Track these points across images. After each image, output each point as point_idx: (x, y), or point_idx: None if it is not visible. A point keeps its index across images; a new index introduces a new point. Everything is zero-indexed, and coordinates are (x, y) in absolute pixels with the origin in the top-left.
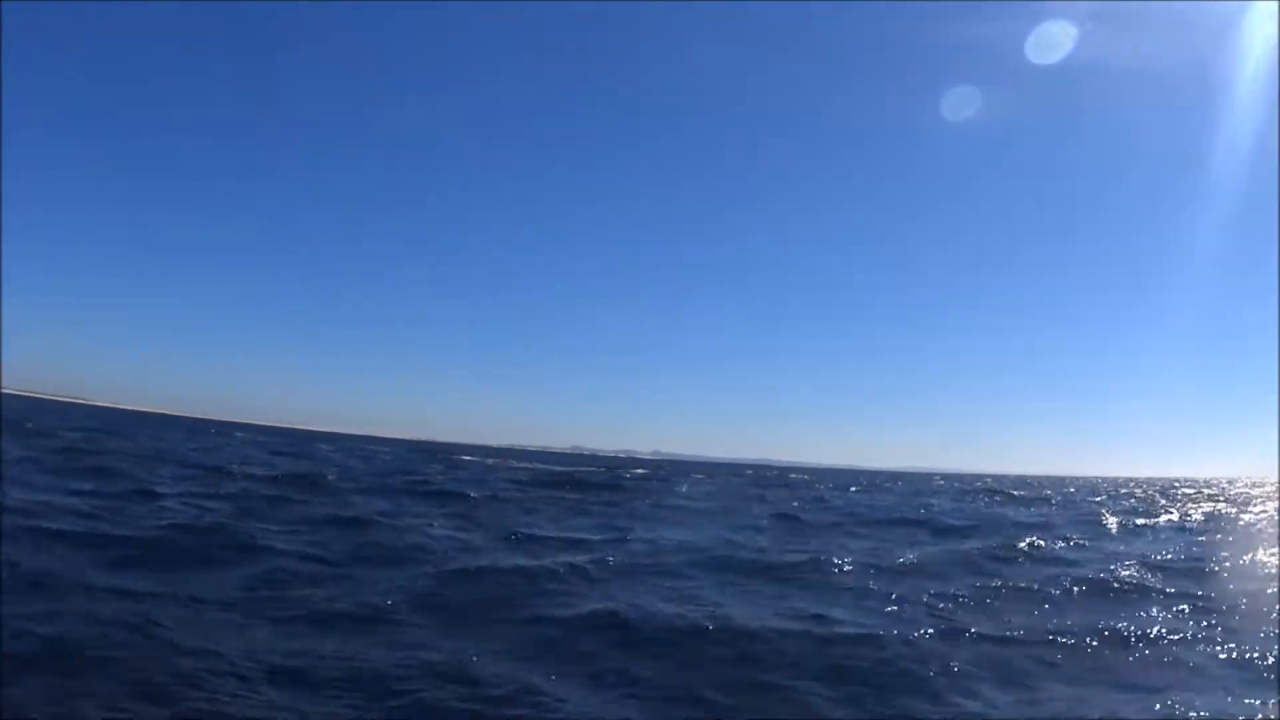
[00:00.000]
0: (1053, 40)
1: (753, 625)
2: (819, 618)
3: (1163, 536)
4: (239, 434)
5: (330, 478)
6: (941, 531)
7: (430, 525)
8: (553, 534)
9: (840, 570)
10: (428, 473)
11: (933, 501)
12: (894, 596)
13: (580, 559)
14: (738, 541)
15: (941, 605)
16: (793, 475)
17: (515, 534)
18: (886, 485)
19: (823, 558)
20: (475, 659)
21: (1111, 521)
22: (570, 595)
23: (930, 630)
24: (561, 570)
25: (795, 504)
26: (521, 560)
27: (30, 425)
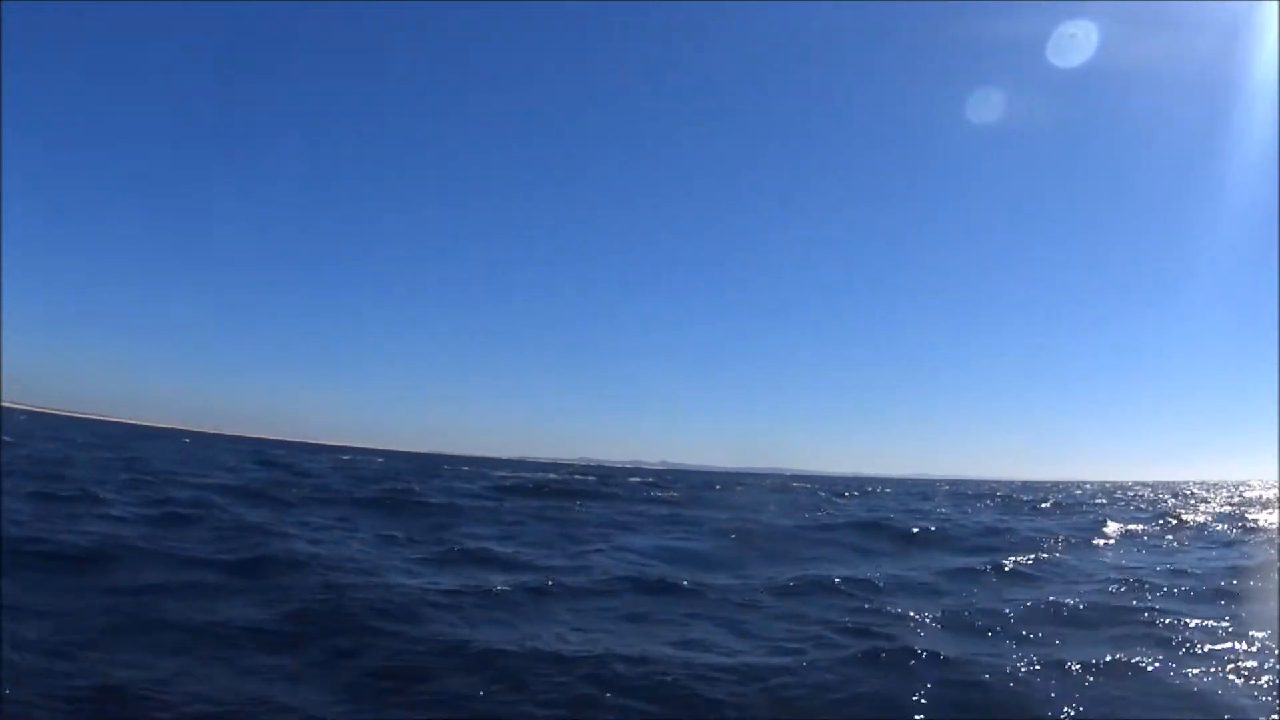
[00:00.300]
0: (1074, 42)
1: (638, 654)
2: (719, 646)
3: (1169, 547)
4: (240, 447)
5: (292, 488)
6: (916, 541)
7: (360, 538)
8: (494, 547)
9: (781, 590)
10: (408, 484)
11: (924, 507)
12: (823, 620)
13: (498, 577)
14: (686, 553)
15: (872, 631)
16: (795, 484)
17: (451, 548)
18: (887, 491)
19: (770, 576)
20: (294, 694)
21: (1113, 529)
22: (458, 621)
23: (838, 659)
24: (469, 590)
25: (777, 511)
26: (430, 579)
27: (8, 438)
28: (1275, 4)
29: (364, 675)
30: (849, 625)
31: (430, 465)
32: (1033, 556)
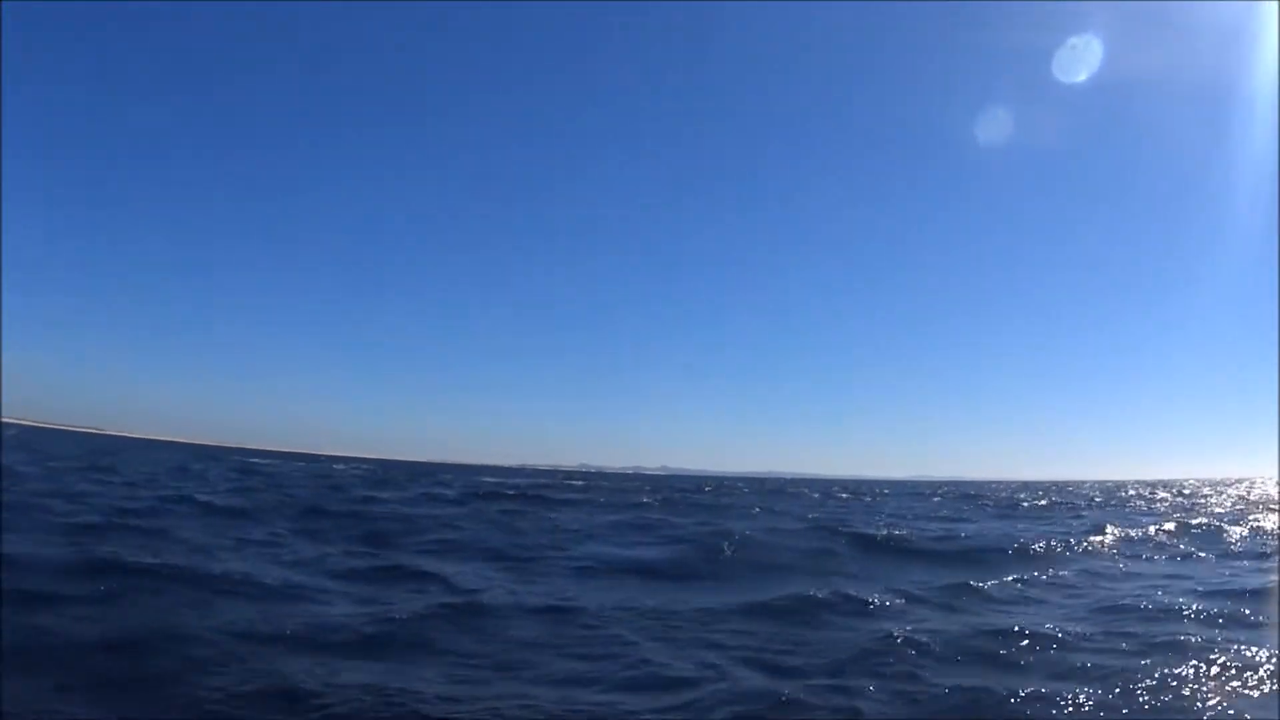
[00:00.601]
0: (1078, 55)
1: (489, 694)
2: (598, 682)
3: (1171, 555)
4: (233, 457)
5: (257, 496)
6: (889, 552)
7: (290, 551)
8: (429, 561)
9: (714, 612)
10: (379, 492)
11: (914, 511)
12: (742, 649)
13: (408, 599)
14: (634, 564)
15: (787, 664)
16: (790, 487)
17: (381, 563)
18: (885, 493)
19: (710, 594)
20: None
21: (1111, 536)
22: (319, 650)
23: (736, 694)
24: (360, 614)
25: (758, 516)
26: (330, 600)
27: None
28: (1276, 5)
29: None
30: (769, 656)
31: (420, 472)
32: (1017, 569)
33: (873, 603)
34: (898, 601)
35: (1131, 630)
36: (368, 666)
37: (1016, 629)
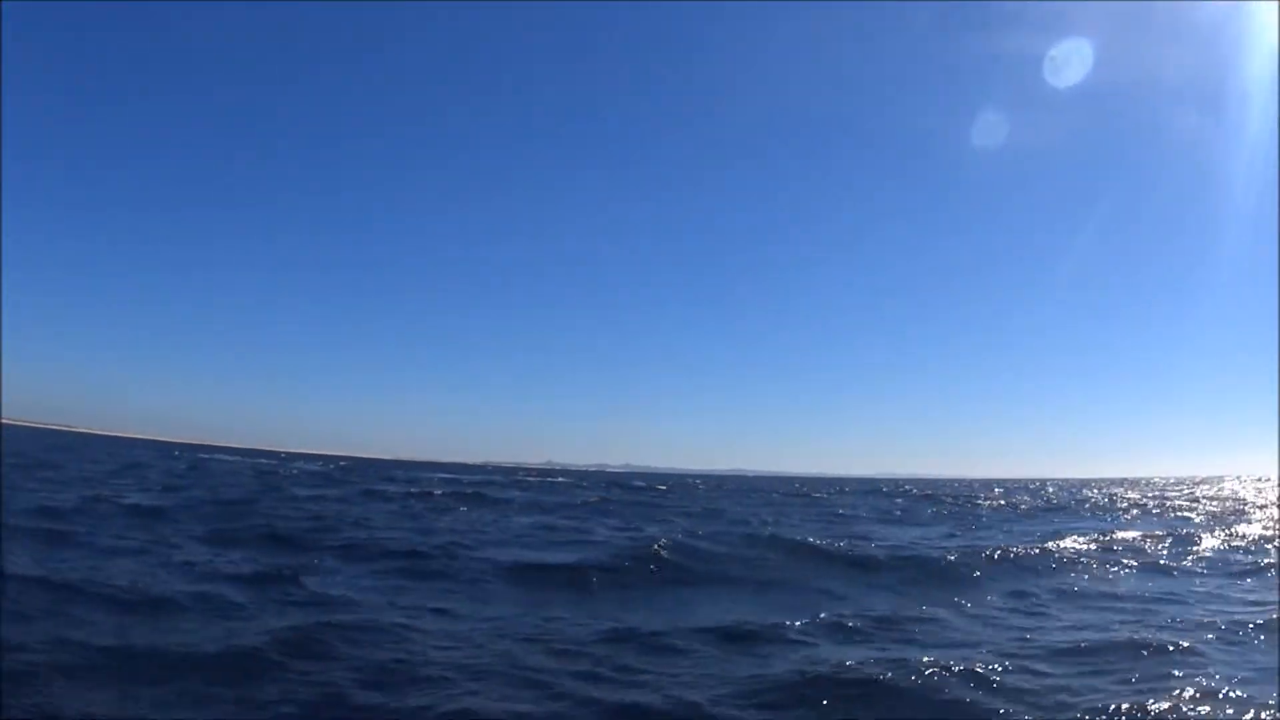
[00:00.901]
0: (1069, 60)
1: None
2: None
3: (1139, 575)
4: (195, 454)
5: (187, 493)
6: (806, 561)
7: (182, 555)
8: (311, 573)
9: (564, 642)
10: (321, 490)
11: (862, 514)
12: (573, 682)
13: (271, 616)
14: (519, 568)
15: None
16: (746, 486)
17: (267, 570)
18: (845, 492)
19: (568, 618)
20: None
21: (1070, 543)
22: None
23: None
24: (207, 630)
25: (698, 517)
26: (194, 612)
27: None
28: (1267, 3)
29: None
30: (628, 693)
31: (379, 469)
32: (958, 586)
33: (779, 627)
34: (809, 624)
35: (1084, 668)
36: (174, 700)
37: (945, 664)
